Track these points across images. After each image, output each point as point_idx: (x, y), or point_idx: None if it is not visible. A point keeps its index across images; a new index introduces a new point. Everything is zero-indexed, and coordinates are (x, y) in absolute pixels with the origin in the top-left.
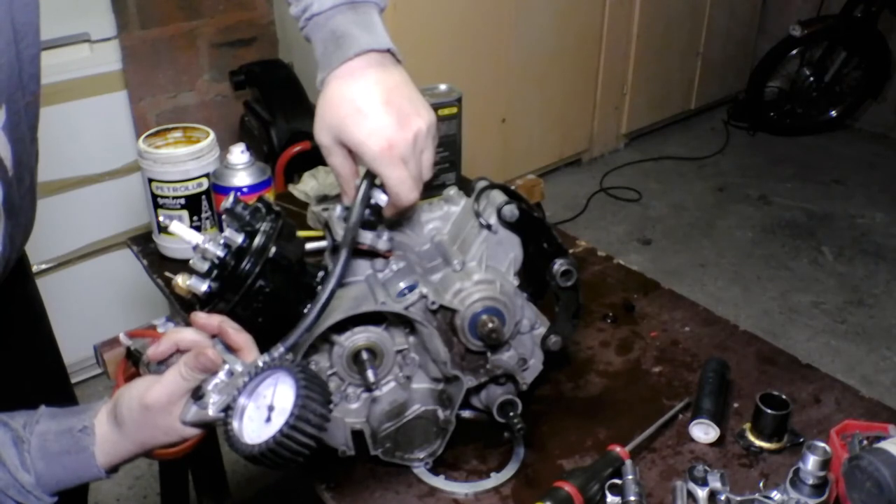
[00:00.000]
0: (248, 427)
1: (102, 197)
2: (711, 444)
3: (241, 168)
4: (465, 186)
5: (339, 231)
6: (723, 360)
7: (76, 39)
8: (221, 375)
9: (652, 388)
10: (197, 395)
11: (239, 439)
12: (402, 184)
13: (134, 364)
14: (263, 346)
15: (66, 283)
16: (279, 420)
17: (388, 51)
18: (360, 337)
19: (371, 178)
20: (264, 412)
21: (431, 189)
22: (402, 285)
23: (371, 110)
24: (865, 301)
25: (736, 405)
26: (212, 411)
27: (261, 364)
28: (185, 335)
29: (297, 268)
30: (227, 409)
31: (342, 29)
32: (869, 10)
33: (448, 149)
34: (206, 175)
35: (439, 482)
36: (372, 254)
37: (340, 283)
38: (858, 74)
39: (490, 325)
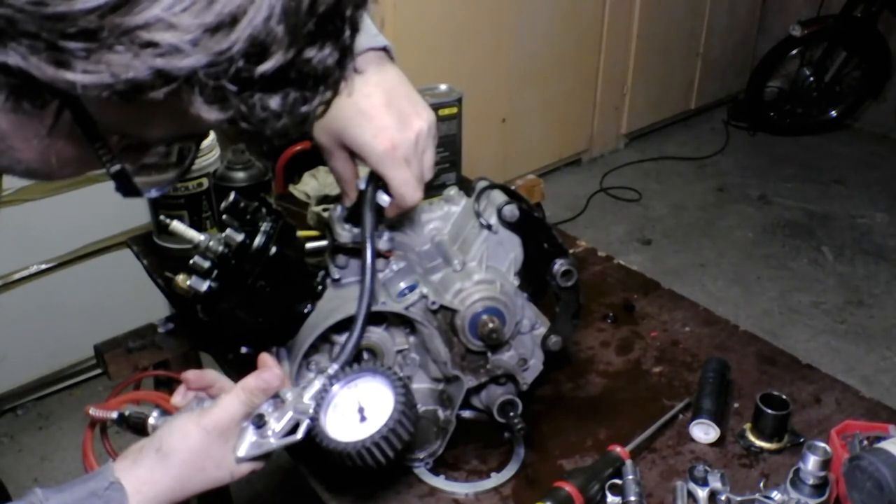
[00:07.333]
0: (333, 420)
1: (102, 197)
2: (712, 444)
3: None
4: (466, 186)
5: (340, 231)
6: (723, 360)
7: None
8: (272, 404)
9: (652, 388)
10: (258, 422)
11: (326, 432)
12: (407, 184)
13: (135, 431)
14: (263, 345)
15: (66, 283)
16: (375, 424)
17: (384, 48)
18: None
19: (375, 181)
20: (353, 411)
21: (432, 189)
22: (403, 285)
23: (373, 112)
24: (865, 301)
25: (736, 405)
26: (274, 440)
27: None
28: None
29: (297, 268)
30: (317, 403)
31: None
32: (869, 10)
33: (448, 149)
34: (207, 175)
35: (439, 482)
36: None
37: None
38: (858, 74)
39: (490, 325)
